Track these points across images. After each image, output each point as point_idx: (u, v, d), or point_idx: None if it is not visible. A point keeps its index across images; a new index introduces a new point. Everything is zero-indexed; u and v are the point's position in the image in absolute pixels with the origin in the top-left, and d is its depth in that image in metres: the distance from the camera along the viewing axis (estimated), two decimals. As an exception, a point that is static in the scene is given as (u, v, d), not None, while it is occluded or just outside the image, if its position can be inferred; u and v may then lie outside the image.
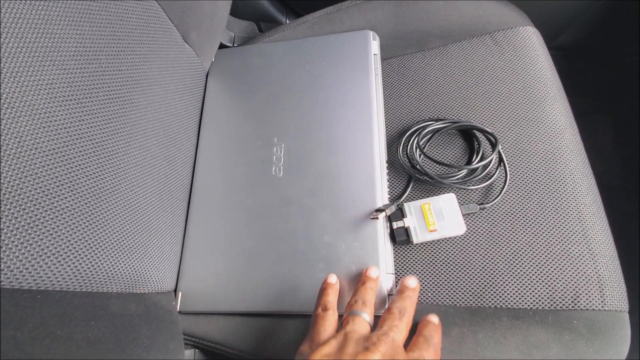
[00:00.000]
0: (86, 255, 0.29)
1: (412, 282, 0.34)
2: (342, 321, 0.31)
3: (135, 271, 0.34)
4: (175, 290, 0.41)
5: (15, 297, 0.23)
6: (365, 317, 0.31)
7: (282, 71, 0.48)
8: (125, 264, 0.33)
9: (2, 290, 0.23)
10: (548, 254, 0.37)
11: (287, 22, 0.66)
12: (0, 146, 0.24)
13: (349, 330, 0.29)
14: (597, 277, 0.36)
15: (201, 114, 0.49)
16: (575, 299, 0.35)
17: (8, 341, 0.21)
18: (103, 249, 0.30)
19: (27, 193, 0.25)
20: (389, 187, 0.42)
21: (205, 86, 0.50)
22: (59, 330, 0.24)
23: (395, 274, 0.39)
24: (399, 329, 0.29)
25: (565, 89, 0.47)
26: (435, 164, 0.43)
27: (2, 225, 0.23)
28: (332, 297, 0.34)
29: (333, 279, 0.36)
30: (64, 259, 0.27)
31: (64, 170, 0.28)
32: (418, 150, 0.43)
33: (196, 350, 0.41)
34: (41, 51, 0.27)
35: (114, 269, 0.31)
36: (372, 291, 0.34)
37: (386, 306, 0.35)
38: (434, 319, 0.33)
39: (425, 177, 0.41)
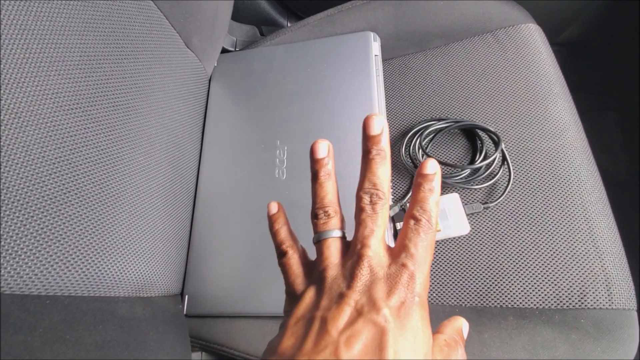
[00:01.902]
0: (93, 261, 0.29)
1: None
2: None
3: (142, 275, 0.34)
4: (181, 294, 0.41)
5: (25, 302, 0.24)
6: (335, 235, 0.23)
7: (284, 74, 0.48)
8: (132, 269, 0.33)
9: (12, 296, 0.23)
10: (554, 252, 0.37)
11: (288, 25, 0.66)
12: (8, 155, 0.24)
13: (321, 268, 0.22)
14: (604, 275, 0.36)
15: (204, 118, 0.49)
16: (582, 298, 0.35)
17: (18, 346, 0.22)
18: (110, 254, 0.31)
19: (35, 201, 0.25)
20: (392, 188, 0.42)
21: (208, 91, 0.51)
22: (68, 335, 0.25)
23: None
24: (375, 233, 0.22)
25: (569, 86, 0.47)
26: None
27: (11, 233, 0.24)
28: (282, 234, 0.27)
29: (273, 208, 0.27)
30: (72, 264, 0.27)
31: (70, 178, 0.28)
32: (421, 150, 0.43)
33: (203, 352, 0.41)
34: (46, 61, 0.27)
35: (121, 273, 0.32)
36: (330, 183, 0.25)
37: None
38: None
39: (428, 177, 0.41)
